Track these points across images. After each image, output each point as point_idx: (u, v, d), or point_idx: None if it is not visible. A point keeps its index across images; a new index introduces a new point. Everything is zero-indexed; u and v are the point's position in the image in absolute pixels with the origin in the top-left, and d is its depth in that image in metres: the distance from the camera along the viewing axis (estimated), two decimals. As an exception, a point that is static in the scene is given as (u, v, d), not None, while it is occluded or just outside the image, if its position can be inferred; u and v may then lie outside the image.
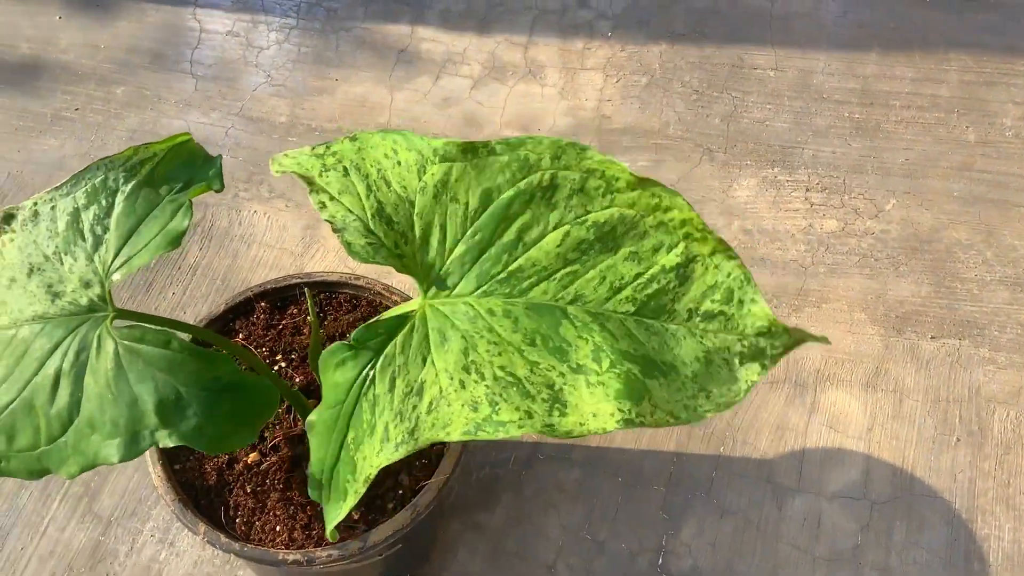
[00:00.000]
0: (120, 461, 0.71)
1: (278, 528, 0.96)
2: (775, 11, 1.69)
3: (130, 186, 0.77)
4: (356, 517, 0.95)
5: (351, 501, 0.74)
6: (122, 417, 0.71)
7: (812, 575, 1.18)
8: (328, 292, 1.08)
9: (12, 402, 0.72)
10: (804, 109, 1.57)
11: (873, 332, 1.36)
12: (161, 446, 0.72)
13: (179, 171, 0.79)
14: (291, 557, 0.91)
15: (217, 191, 0.78)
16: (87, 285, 0.75)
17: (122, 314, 0.75)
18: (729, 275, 0.72)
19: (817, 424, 1.29)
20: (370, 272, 1.35)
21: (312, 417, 0.74)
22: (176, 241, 0.74)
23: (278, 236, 1.47)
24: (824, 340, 0.70)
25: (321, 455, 0.74)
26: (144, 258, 0.74)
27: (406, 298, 1.06)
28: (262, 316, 1.06)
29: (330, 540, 0.78)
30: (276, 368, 1.04)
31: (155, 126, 1.58)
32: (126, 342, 0.72)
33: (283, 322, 1.06)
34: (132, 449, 0.71)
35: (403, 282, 1.35)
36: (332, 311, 1.08)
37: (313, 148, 0.78)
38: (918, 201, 1.47)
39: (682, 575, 1.19)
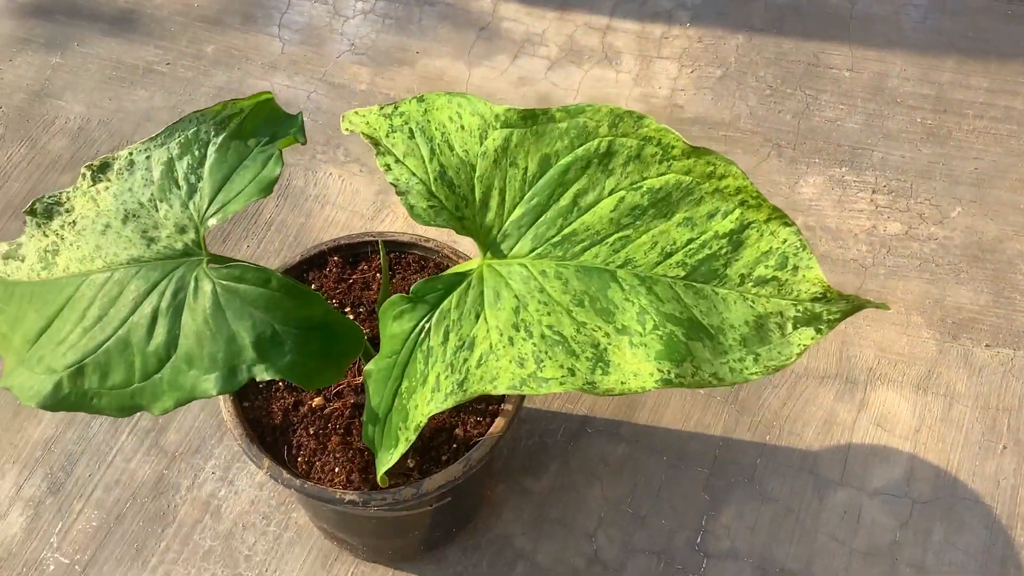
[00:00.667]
0: (218, 394, 0.75)
1: (336, 469, 1.00)
2: (855, 12, 1.70)
3: (221, 138, 0.81)
4: (412, 466, 1.00)
5: (402, 448, 0.77)
6: (220, 352, 0.75)
7: (847, 567, 1.20)
8: (398, 252, 1.12)
9: (107, 341, 0.77)
10: (876, 111, 1.58)
11: (928, 336, 1.37)
12: (258, 380, 0.77)
13: (264, 126, 0.83)
14: (348, 497, 0.96)
15: (302, 144, 0.82)
16: (182, 231, 0.79)
17: (214, 258, 0.80)
18: (785, 241, 0.75)
19: (865, 421, 1.30)
20: (440, 235, 1.40)
21: (370, 366, 0.78)
22: (268, 188, 0.78)
23: (350, 199, 1.51)
24: (883, 306, 0.72)
25: (376, 402, 0.78)
26: (238, 204, 0.78)
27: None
28: (334, 270, 1.10)
29: (380, 485, 0.82)
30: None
31: (241, 85, 1.63)
32: (224, 281, 0.77)
33: (353, 277, 1.11)
34: (230, 382, 0.75)
35: (471, 248, 1.39)
36: (401, 270, 1.12)
37: (381, 107, 0.82)
38: (984, 211, 1.47)
39: (719, 555, 1.21)
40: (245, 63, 1.67)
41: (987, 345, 1.36)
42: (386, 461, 0.78)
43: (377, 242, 1.11)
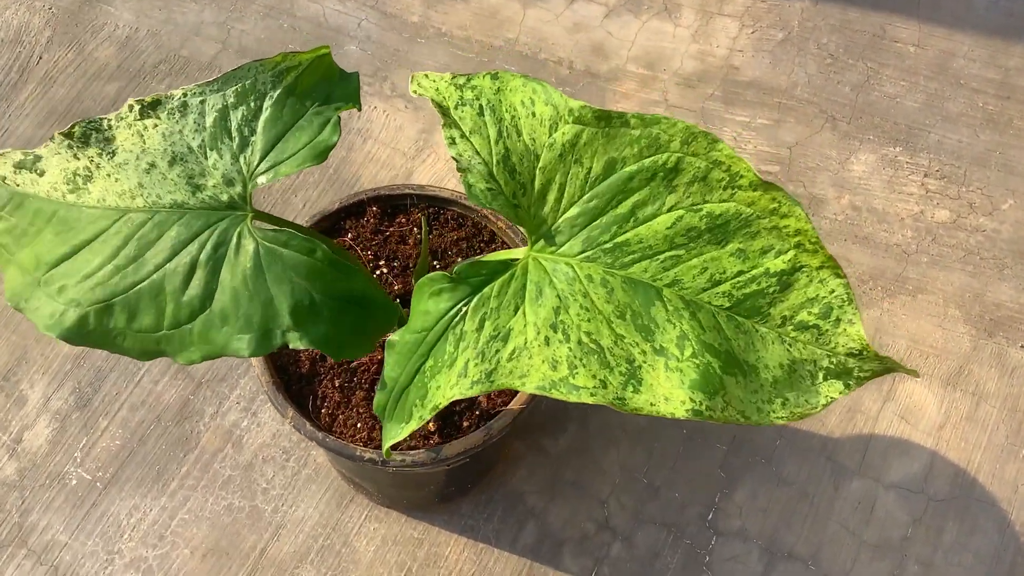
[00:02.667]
0: (249, 355, 0.75)
1: (359, 425, 1.01)
2: (928, -17, 1.63)
3: (277, 92, 0.79)
4: (432, 429, 1.00)
5: (413, 425, 0.77)
6: (256, 315, 0.75)
7: (855, 558, 1.21)
8: (437, 207, 1.11)
9: (140, 283, 0.76)
10: (938, 92, 1.53)
11: (964, 331, 1.35)
12: (291, 347, 0.76)
13: (320, 85, 0.81)
14: (367, 455, 0.97)
15: (358, 111, 0.81)
16: (230, 183, 0.78)
17: (259, 216, 0.79)
18: (832, 292, 0.73)
19: (889, 413, 1.30)
20: None
21: (394, 337, 0.78)
22: (323, 155, 0.77)
23: (393, 135, 1.49)
24: (914, 373, 0.71)
25: (395, 375, 0.78)
26: (290, 167, 0.77)
27: (509, 225, 1.08)
28: (372, 220, 1.10)
29: (385, 457, 0.82)
30: (378, 273, 1.08)
31: (292, 6, 1.60)
32: (268, 244, 0.76)
33: (391, 229, 1.10)
34: (263, 345, 0.75)
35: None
36: (439, 227, 1.11)
37: (453, 77, 0.80)
38: (1037, 206, 1.44)
39: (729, 533, 1.22)
40: (297, -17, 1.63)
41: (1022, 346, 1.34)
42: (394, 435, 0.78)
43: (415, 195, 1.10)
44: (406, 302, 1.08)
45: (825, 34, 1.57)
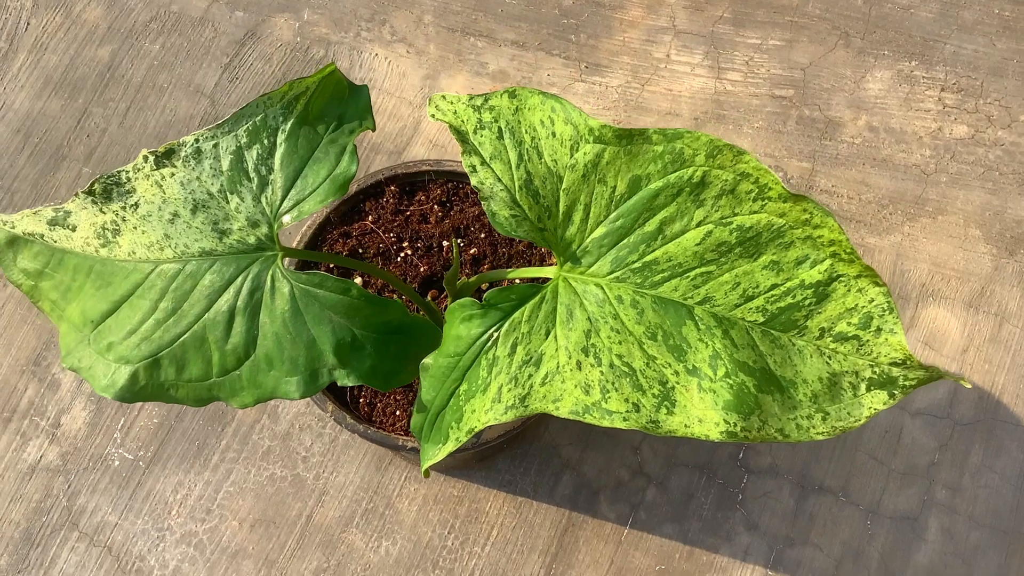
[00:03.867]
0: (300, 397, 0.76)
1: (398, 412, 1.02)
2: None
3: (289, 124, 0.78)
4: (471, 413, 1.01)
5: (450, 447, 0.78)
6: (301, 356, 0.75)
7: (884, 486, 1.24)
8: (456, 182, 1.10)
9: (182, 335, 0.76)
10: (952, 0, 1.49)
11: (985, 251, 1.35)
12: (340, 384, 0.77)
13: (330, 105, 0.79)
14: (410, 444, 0.98)
15: (372, 131, 0.79)
16: (254, 225, 0.77)
17: (288, 252, 0.79)
18: (872, 301, 0.73)
19: (913, 339, 1.31)
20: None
21: (428, 360, 0.78)
22: (345, 187, 0.76)
23: (397, 83, 1.46)
24: (961, 379, 0.71)
25: (430, 397, 0.78)
26: (314, 204, 0.76)
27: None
28: (391, 200, 1.09)
29: (424, 477, 0.84)
30: (402, 255, 1.08)
31: (280, -51, 1.55)
32: (304, 286, 0.76)
33: (411, 208, 1.09)
34: (311, 386, 0.76)
35: None
36: (459, 202, 1.10)
37: (471, 98, 0.78)
38: (1057, 115, 1.42)
39: (759, 471, 1.25)
40: (284, -77, 1.57)
41: (1044, 263, 1.34)
42: (431, 457, 0.79)
43: (433, 171, 1.09)
44: (431, 284, 1.08)
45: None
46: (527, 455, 1.26)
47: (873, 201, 1.38)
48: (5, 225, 0.81)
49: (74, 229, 0.81)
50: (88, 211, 0.80)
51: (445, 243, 1.07)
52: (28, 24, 1.51)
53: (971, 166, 1.39)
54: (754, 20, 1.48)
